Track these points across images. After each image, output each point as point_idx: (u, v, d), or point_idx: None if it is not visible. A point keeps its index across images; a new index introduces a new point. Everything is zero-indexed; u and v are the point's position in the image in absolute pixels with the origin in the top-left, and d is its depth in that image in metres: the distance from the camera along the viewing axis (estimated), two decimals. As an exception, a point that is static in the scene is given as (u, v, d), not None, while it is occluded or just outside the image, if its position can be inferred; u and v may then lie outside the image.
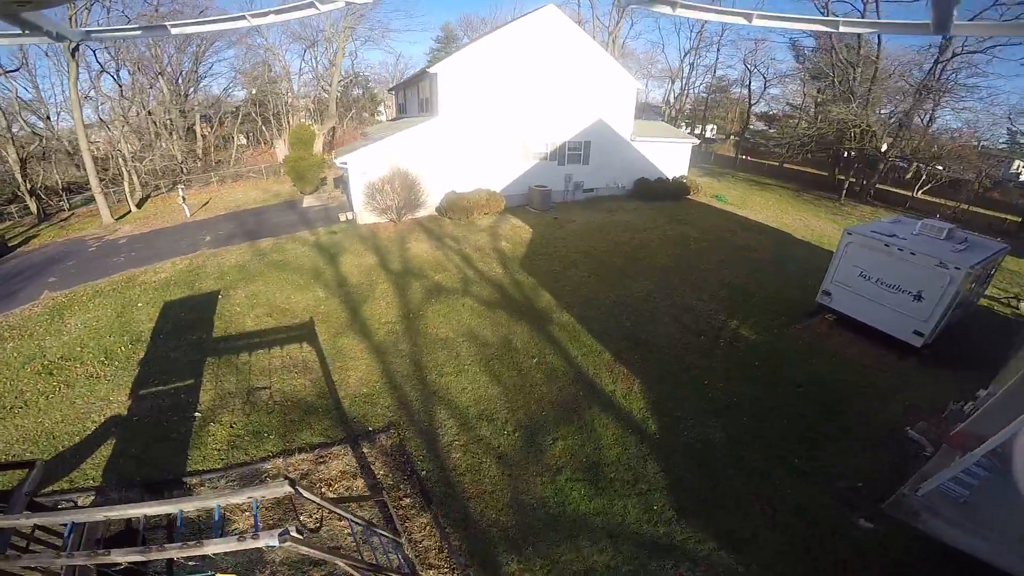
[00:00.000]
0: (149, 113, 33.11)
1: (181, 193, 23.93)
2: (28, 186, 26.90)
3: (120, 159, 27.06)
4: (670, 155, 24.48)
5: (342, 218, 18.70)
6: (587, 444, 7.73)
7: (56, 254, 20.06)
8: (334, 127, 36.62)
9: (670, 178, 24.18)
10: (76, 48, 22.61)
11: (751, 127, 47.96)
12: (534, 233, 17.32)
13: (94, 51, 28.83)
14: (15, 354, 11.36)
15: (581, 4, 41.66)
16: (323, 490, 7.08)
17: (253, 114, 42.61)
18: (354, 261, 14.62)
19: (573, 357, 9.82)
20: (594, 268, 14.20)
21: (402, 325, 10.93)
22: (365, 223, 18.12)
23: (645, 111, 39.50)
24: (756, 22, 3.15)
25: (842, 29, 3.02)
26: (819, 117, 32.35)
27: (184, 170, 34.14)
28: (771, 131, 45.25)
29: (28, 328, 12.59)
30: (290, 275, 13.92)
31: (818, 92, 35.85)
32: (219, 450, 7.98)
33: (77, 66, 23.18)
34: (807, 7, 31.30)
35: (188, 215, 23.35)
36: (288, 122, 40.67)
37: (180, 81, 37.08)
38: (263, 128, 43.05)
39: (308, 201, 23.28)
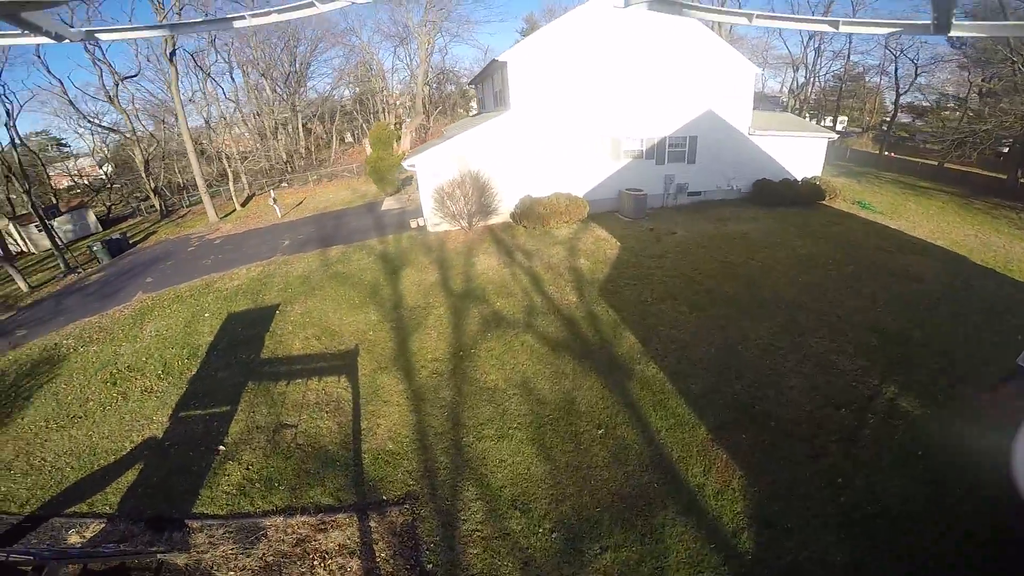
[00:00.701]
0: (258, 114, 36.35)
1: (272, 194, 25.55)
2: (152, 184, 30.81)
3: (226, 159, 29.80)
4: (799, 152, 20.67)
5: (413, 225, 18.30)
6: (647, 561, 5.87)
7: (162, 252, 22.35)
8: (423, 124, 37.32)
9: (799, 179, 20.44)
10: (173, 53, 25.34)
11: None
12: (622, 248, 15.27)
13: (192, 54, 32.17)
14: (94, 359, 12.24)
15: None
16: (313, 564, 6.16)
17: (354, 112, 45.18)
18: (415, 277, 13.90)
19: (654, 431, 7.87)
20: (697, 300, 11.86)
21: (449, 365, 9.79)
22: (435, 231, 17.49)
23: (762, 102, 35.02)
24: (756, 22, 3.27)
25: (842, 29, 3.07)
26: (986, 109, 26.08)
27: (289, 169, 37.11)
28: (919, 123, 38.28)
29: (113, 331, 13.64)
30: (349, 291, 13.57)
31: (983, 81, 29.80)
32: (228, 493, 7.50)
33: (176, 69, 25.93)
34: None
35: (279, 215, 24.83)
36: (385, 120, 42.40)
37: (291, 80, 40.28)
38: (363, 126, 45.47)
39: (388, 203, 23.50)
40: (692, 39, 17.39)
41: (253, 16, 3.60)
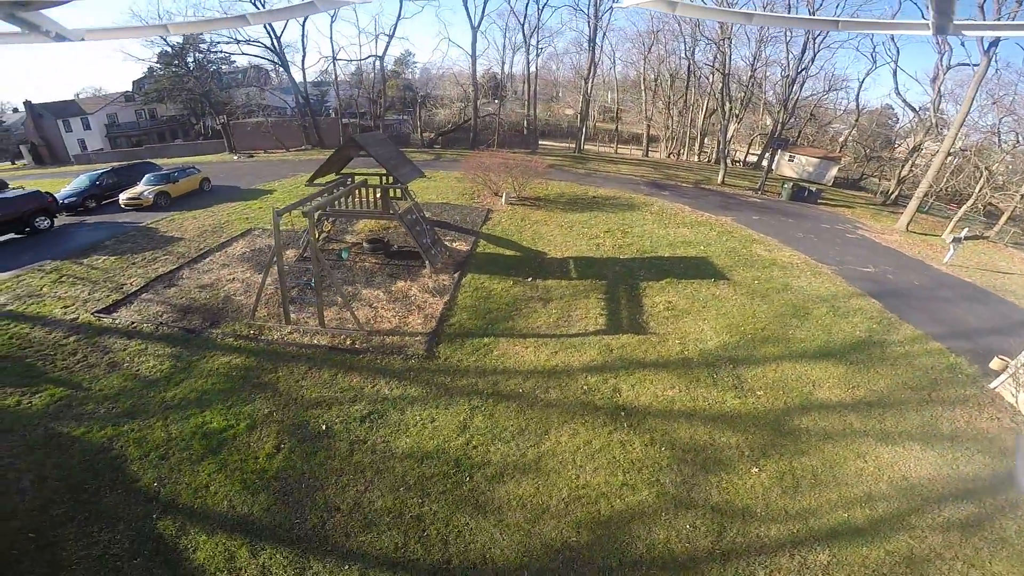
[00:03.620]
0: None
1: (961, 235, 19.74)
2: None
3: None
4: None
5: (994, 365, 10.59)
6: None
7: (815, 216, 25.23)
8: None
9: None
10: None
11: None
12: None
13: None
14: (612, 217, 18.13)
15: None
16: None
17: None
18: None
19: None
20: None
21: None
22: (1010, 402, 9.53)
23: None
24: (756, 22, 3.87)
25: (842, 28, 3.25)
26: None
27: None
28: None
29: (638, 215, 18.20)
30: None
31: None
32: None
33: (988, 63, 22.65)
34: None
35: (945, 260, 19.32)
36: None
37: None
38: None
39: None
40: None
41: (254, 16, 3.63)
